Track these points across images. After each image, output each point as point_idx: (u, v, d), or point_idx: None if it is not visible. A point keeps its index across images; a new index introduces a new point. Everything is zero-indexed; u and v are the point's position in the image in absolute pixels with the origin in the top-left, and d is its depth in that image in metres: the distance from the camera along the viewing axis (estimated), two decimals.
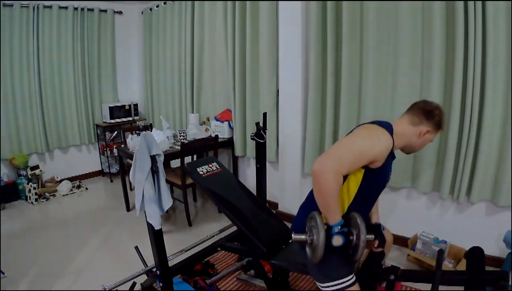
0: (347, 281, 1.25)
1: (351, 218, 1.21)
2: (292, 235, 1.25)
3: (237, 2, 3.00)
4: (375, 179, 1.29)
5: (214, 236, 2.31)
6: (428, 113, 1.31)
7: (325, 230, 1.15)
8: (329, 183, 1.11)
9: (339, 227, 1.16)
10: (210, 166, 2.04)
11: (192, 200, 3.59)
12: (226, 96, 3.49)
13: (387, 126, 1.28)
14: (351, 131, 1.34)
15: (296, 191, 2.94)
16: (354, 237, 1.17)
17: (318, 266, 1.25)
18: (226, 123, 3.39)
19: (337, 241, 1.16)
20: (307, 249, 1.25)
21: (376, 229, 1.48)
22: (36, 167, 3.76)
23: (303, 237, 1.22)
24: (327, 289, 1.27)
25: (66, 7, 3.81)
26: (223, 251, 2.29)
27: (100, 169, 4.53)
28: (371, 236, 1.27)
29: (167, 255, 1.77)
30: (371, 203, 1.46)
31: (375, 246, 1.43)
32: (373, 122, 1.32)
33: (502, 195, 2.01)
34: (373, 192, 1.39)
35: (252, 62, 3.04)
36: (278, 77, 2.90)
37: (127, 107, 4.36)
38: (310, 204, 1.36)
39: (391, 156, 1.28)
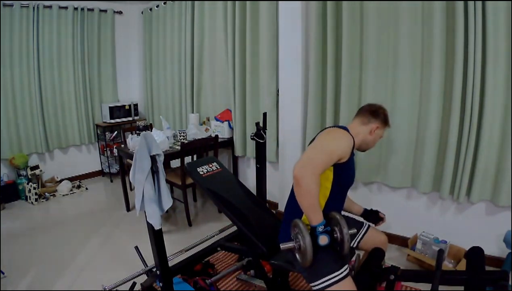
0: (339, 274, 1.27)
1: (330, 217, 1.29)
2: (280, 245, 1.29)
3: (237, 2, 3.00)
4: (344, 174, 1.44)
5: (214, 236, 2.31)
6: (374, 112, 1.53)
7: (310, 233, 1.21)
8: (310, 185, 1.22)
9: (323, 226, 1.23)
10: (210, 166, 2.04)
11: (192, 200, 3.59)
12: (226, 96, 3.49)
13: (347, 130, 1.48)
14: (314, 138, 1.49)
15: None
16: (338, 233, 1.23)
17: (309, 267, 1.29)
18: (226, 123, 3.39)
19: (323, 240, 1.22)
20: (297, 255, 1.29)
21: (370, 213, 1.78)
22: (36, 167, 3.76)
23: (290, 244, 1.28)
24: (321, 286, 1.28)
25: (66, 7, 3.81)
26: (223, 251, 2.29)
27: (100, 169, 4.53)
28: (354, 230, 1.31)
29: (167, 255, 1.77)
30: (343, 199, 1.57)
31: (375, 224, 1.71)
32: (332, 127, 1.54)
33: (502, 195, 2.01)
34: (344, 187, 1.52)
35: (252, 62, 3.04)
36: (278, 77, 2.90)
37: (127, 107, 4.36)
38: (291, 213, 1.46)
39: (352, 154, 1.45)
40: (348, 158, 1.39)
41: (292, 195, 1.46)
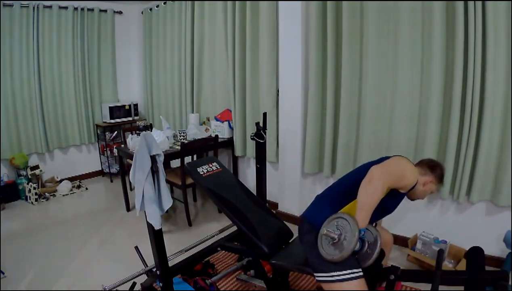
0: (356, 272, 1.26)
1: (367, 228, 1.30)
2: (324, 229, 1.29)
3: (237, 2, 3.00)
4: (393, 200, 1.50)
5: (214, 236, 2.31)
6: (432, 167, 1.57)
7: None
8: (379, 189, 1.28)
9: (363, 233, 1.26)
10: (210, 165, 2.04)
11: (192, 200, 3.59)
12: (226, 96, 3.49)
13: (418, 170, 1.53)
14: (387, 157, 1.55)
15: (296, 191, 2.94)
16: (366, 246, 1.26)
17: (326, 260, 1.28)
18: (226, 123, 3.39)
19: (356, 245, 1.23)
20: (325, 246, 1.28)
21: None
22: (36, 167, 3.76)
23: (334, 234, 1.26)
24: (336, 278, 1.27)
25: (66, 7, 3.81)
26: (223, 251, 2.29)
27: (100, 169, 4.53)
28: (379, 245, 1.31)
29: (167, 255, 1.76)
30: (374, 220, 1.57)
31: None
32: (414, 163, 1.57)
33: (502, 195, 2.01)
34: (384, 211, 1.53)
35: (252, 62, 3.04)
36: (278, 77, 2.90)
37: (127, 107, 4.36)
38: (337, 199, 1.48)
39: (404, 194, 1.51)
40: (404, 192, 1.47)
41: (345, 181, 1.55)
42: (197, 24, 3.57)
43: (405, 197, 1.59)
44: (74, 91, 4.04)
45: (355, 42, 2.38)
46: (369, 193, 1.28)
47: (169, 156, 2.93)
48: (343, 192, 1.48)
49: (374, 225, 1.70)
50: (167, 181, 2.95)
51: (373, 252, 1.23)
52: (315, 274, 1.35)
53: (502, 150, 1.99)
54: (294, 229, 1.84)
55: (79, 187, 4.06)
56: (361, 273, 1.28)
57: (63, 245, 2.69)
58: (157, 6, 4.11)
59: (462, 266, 2.04)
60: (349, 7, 2.33)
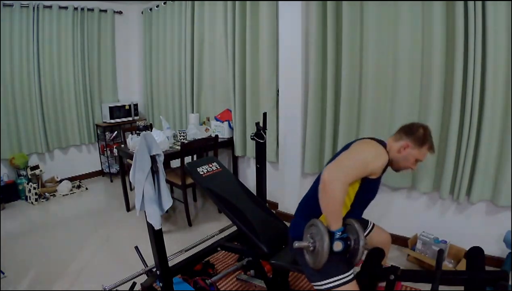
0: (345, 277, 1.27)
1: (348, 224, 1.26)
2: (295, 243, 1.27)
3: (237, 2, 3.00)
4: (370, 189, 1.41)
5: (214, 236, 2.32)
6: (407, 129, 1.44)
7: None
8: (337, 192, 1.20)
9: (340, 233, 1.22)
10: (210, 165, 2.04)
11: (192, 200, 3.59)
12: (226, 96, 3.49)
13: (385, 146, 1.43)
14: (350, 144, 1.45)
15: (296, 191, 2.94)
16: (353, 242, 1.22)
17: (315, 269, 1.28)
18: (226, 123, 3.39)
19: (338, 246, 1.21)
20: (308, 256, 1.28)
21: None
22: (36, 167, 3.76)
23: (305, 244, 1.26)
24: (326, 286, 1.27)
25: (66, 7, 3.81)
26: (223, 251, 2.30)
27: (100, 169, 4.53)
28: (366, 241, 1.30)
29: (167, 255, 1.77)
30: (361, 212, 1.53)
31: None
32: (371, 138, 1.44)
33: (502, 195, 2.01)
34: (365, 201, 1.48)
35: (252, 62, 3.04)
36: (278, 77, 2.90)
37: (127, 107, 4.36)
38: (307, 211, 1.44)
39: (383, 171, 1.40)
40: (378, 176, 1.37)
41: (311, 193, 1.44)
42: (197, 24, 3.57)
43: (391, 169, 1.48)
44: (74, 91, 4.04)
45: (355, 42, 2.38)
46: (329, 201, 1.21)
47: (169, 156, 2.93)
48: (314, 197, 1.35)
49: (371, 225, 1.70)
50: (167, 181, 2.95)
51: (358, 247, 1.20)
52: (312, 284, 1.35)
53: (502, 150, 1.99)
54: None
55: (79, 187, 4.06)
56: (351, 276, 1.28)
57: (63, 245, 2.69)
58: (157, 6, 4.11)
59: (462, 266, 2.03)
60: (349, 7, 2.33)
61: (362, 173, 1.30)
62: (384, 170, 1.38)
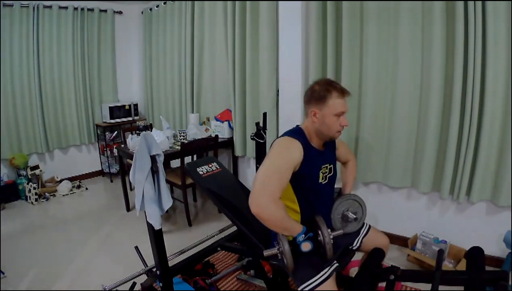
0: (320, 277, 1.26)
1: (314, 221, 1.27)
2: (264, 252, 1.29)
3: (237, 2, 3.00)
4: (304, 175, 1.35)
5: (214, 236, 2.31)
6: (305, 98, 1.41)
7: (291, 239, 1.23)
8: (274, 214, 1.19)
9: (303, 235, 1.23)
10: (210, 165, 2.04)
11: (192, 200, 3.59)
12: (226, 96, 3.49)
13: (295, 131, 1.41)
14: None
15: None
16: (322, 238, 1.23)
17: (294, 273, 1.30)
18: (226, 123, 3.39)
19: (306, 246, 1.23)
20: (285, 261, 1.28)
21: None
22: (36, 167, 3.76)
23: (273, 250, 1.28)
24: (305, 289, 1.27)
25: (66, 7, 3.81)
26: (223, 251, 2.29)
27: (100, 169, 4.53)
28: (340, 232, 1.31)
29: (167, 255, 1.77)
30: (322, 195, 1.48)
31: None
32: (281, 135, 1.43)
33: (502, 195, 2.00)
34: (312, 187, 1.42)
35: (252, 62, 3.04)
36: (278, 77, 2.90)
37: (127, 107, 4.36)
38: None
39: (311, 151, 1.36)
40: (302, 160, 1.32)
41: None
42: (197, 24, 3.57)
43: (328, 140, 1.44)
44: (74, 91, 4.04)
45: (355, 43, 2.38)
46: (272, 224, 1.21)
47: (169, 156, 2.93)
48: None
49: (366, 227, 1.67)
50: (167, 181, 2.95)
51: (324, 242, 1.22)
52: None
53: (502, 150, 1.99)
54: None
55: (79, 187, 4.06)
56: (326, 275, 1.27)
57: (63, 245, 2.69)
58: (157, 6, 4.11)
59: (462, 266, 2.04)
60: (349, 7, 2.33)
61: (284, 177, 1.26)
62: (309, 152, 1.33)
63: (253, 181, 1.25)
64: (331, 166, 1.50)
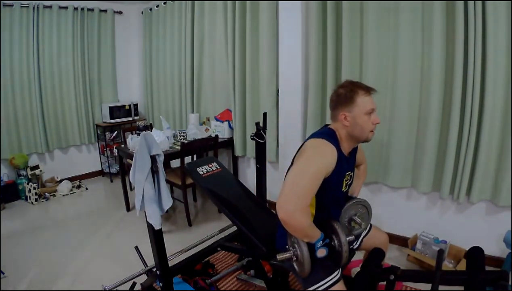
0: (331, 279, 1.26)
1: (329, 226, 1.25)
2: (277, 256, 1.27)
3: (237, 2, 3.00)
4: (331, 183, 1.29)
5: (214, 236, 2.31)
6: (331, 104, 1.38)
7: (308, 244, 1.20)
8: (300, 222, 1.15)
9: (321, 241, 1.21)
10: (210, 165, 2.04)
11: (192, 200, 3.59)
12: (226, 96, 3.49)
13: (329, 133, 1.33)
14: (297, 152, 1.35)
15: None
16: (336, 244, 1.22)
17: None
18: (226, 123, 3.39)
19: (321, 253, 1.21)
20: (295, 264, 1.28)
21: None
22: (36, 167, 3.76)
23: (287, 255, 1.26)
24: None
25: (66, 7, 3.81)
26: (223, 251, 2.29)
27: (100, 169, 4.53)
28: (352, 238, 1.31)
29: (167, 255, 1.77)
30: (340, 202, 1.47)
31: None
32: (314, 136, 1.34)
33: (502, 195, 2.01)
34: (335, 195, 1.40)
35: (252, 62, 3.04)
36: (278, 77, 2.90)
37: (127, 107, 4.36)
38: None
39: (341, 157, 1.30)
40: (334, 167, 1.26)
41: None
42: (197, 24, 3.57)
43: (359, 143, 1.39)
44: (74, 92, 4.04)
45: (355, 43, 2.38)
46: (297, 232, 1.17)
47: (169, 156, 2.93)
48: None
49: (368, 227, 1.67)
50: (167, 181, 2.95)
51: (341, 249, 1.20)
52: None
53: (502, 150, 1.99)
54: None
55: (79, 187, 4.06)
56: (336, 278, 1.26)
57: (63, 245, 2.69)
58: (157, 6, 4.11)
59: (462, 266, 2.04)
60: (349, 7, 2.33)
61: (316, 184, 1.19)
62: (340, 158, 1.27)
63: (283, 181, 1.22)
64: (352, 173, 1.46)
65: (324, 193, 1.30)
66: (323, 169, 1.20)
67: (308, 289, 1.28)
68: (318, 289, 1.25)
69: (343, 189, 1.41)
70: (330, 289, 1.24)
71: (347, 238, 1.26)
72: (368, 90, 1.32)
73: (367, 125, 1.32)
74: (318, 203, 1.35)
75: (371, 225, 1.68)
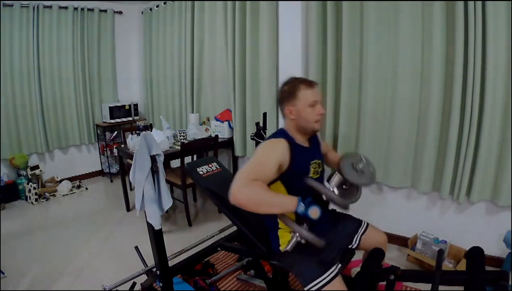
0: (326, 277, 1.26)
1: (307, 189, 1.26)
2: (287, 248, 1.27)
3: (237, 2, 3.00)
4: (295, 172, 1.36)
5: (214, 236, 2.31)
6: (277, 100, 1.49)
7: (296, 220, 1.22)
8: (250, 192, 1.18)
9: (302, 203, 1.18)
10: (210, 166, 2.04)
11: (192, 200, 3.59)
12: (226, 96, 3.49)
13: (278, 132, 1.47)
14: None
15: None
16: (324, 195, 1.22)
17: (298, 272, 1.31)
18: (226, 123, 3.39)
19: (314, 213, 1.19)
20: (307, 243, 1.26)
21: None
22: (36, 167, 3.76)
23: (293, 240, 1.26)
24: (314, 288, 1.27)
25: (66, 7, 3.81)
26: (223, 251, 2.29)
27: (100, 169, 4.53)
28: (338, 178, 1.31)
29: (167, 255, 1.77)
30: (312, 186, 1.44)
31: None
32: (268, 137, 1.46)
33: (502, 195, 2.00)
34: (303, 180, 1.38)
35: (252, 62, 3.04)
36: (278, 77, 2.90)
37: (127, 107, 4.36)
38: (274, 221, 1.49)
39: (298, 148, 1.38)
40: (289, 158, 1.33)
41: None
42: (197, 24, 3.57)
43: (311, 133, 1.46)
44: (74, 91, 4.04)
45: (355, 43, 2.38)
46: (256, 205, 1.18)
47: (169, 156, 2.93)
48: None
49: (364, 225, 1.64)
50: (167, 181, 2.95)
51: (329, 194, 1.21)
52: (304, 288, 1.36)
53: (502, 150, 1.99)
54: None
55: (79, 187, 4.06)
56: (332, 275, 1.26)
57: (63, 245, 2.69)
58: (157, 6, 4.11)
59: (462, 266, 2.03)
60: (349, 7, 2.33)
61: (264, 169, 1.25)
62: (296, 149, 1.35)
63: None
64: (320, 161, 1.53)
65: (293, 184, 1.38)
66: (271, 157, 1.28)
67: (307, 287, 1.28)
68: (315, 287, 1.25)
69: (312, 175, 1.45)
70: (327, 287, 1.24)
71: (332, 180, 1.25)
72: (310, 84, 1.42)
73: (311, 116, 1.40)
74: (289, 193, 1.38)
75: (367, 223, 1.66)
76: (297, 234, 1.22)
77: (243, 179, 1.20)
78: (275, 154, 1.30)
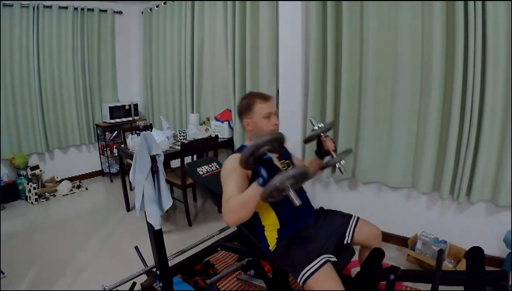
0: (314, 265, 1.29)
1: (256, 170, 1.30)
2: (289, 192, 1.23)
3: (237, 2, 3.00)
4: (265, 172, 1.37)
5: (214, 236, 2.31)
6: (238, 114, 1.58)
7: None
8: (233, 210, 1.27)
9: (260, 179, 1.21)
10: (210, 165, 2.04)
11: (192, 200, 3.59)
12: (226, 96, 3.49)
13: (238, 149, 1.61)
14: None
15: None
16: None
17: (291, 266, 1.37)
18: (226, 123, 3.39)
19: (264, 172, 1.22)
20: (291, 190, 1.21)
21: (321, 151, 1.81)
22: (36, 167, 3.76)
23: (291, 195, 1.19)
24: (302, 279, 1.30)
25: (66, 7, 3.81)
26: (223, 251, 2.29)
27: (100, 169, 4.53)
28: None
29: (167, 255, 1.77)
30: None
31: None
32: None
33: (502, 195, 2.00)
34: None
35: (252, 62, 3.04)
36: (278, 77, 2.90)
37: (127, 107, 4.36)
38: (259, 227, 1.57)
39: (261, 160, 1.34)
40: (250, 169, 1.37)
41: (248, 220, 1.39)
42: (197, 24, 3.57)
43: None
44: (74, 92, 4.04)
45: (355, 43, 2.38)
46: (240, 214, 1.27)
47: (169, 156, 2.93)
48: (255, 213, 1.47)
49: (354, 219, 1.61)
50: (167, 181, 2.95)
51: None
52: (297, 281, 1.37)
53: (502, 150, 1.99)
54: None
55: (79, 187, 4.06)
56: (320, 263, 1.29)
57: (63, 245, 2.69)
58: (157, 6, 4.11)
59: (462, 266, 2.03)
60: (349, 7, 2.33)
61: (237, 184, 1.35)
62: (257, 159, 1.33)
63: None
64: (287, 161, 1.61)
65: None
66: (234, 174, 1.37)
67: (298, 278, 1.31)
68: (304, 276, 1.29)
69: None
70: (317, 274, 1.27)
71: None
72: (265, 97, 1.53)
73: (267, 127, 1.51)
74: (270, 202, 1.45)
75: (358, 217, 1.63)
76: (285, 188, 1.18)
77: (224, 203, 1.32)
78: (236, 169, 1.36)
